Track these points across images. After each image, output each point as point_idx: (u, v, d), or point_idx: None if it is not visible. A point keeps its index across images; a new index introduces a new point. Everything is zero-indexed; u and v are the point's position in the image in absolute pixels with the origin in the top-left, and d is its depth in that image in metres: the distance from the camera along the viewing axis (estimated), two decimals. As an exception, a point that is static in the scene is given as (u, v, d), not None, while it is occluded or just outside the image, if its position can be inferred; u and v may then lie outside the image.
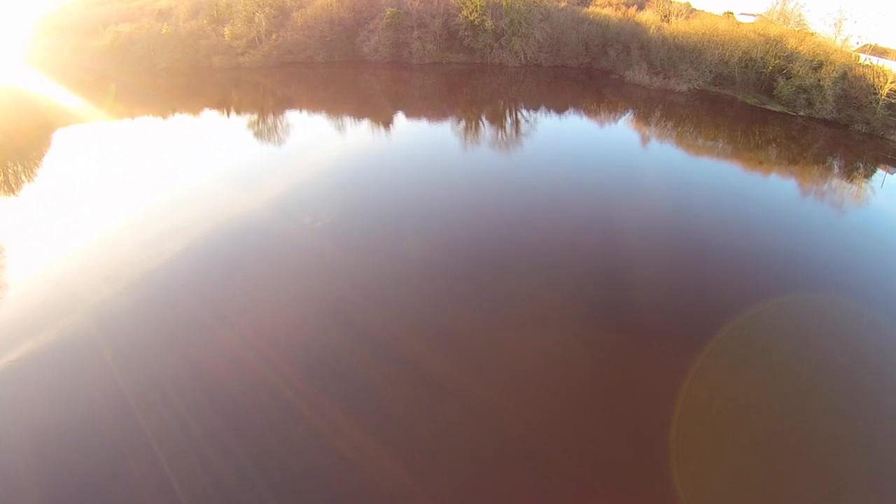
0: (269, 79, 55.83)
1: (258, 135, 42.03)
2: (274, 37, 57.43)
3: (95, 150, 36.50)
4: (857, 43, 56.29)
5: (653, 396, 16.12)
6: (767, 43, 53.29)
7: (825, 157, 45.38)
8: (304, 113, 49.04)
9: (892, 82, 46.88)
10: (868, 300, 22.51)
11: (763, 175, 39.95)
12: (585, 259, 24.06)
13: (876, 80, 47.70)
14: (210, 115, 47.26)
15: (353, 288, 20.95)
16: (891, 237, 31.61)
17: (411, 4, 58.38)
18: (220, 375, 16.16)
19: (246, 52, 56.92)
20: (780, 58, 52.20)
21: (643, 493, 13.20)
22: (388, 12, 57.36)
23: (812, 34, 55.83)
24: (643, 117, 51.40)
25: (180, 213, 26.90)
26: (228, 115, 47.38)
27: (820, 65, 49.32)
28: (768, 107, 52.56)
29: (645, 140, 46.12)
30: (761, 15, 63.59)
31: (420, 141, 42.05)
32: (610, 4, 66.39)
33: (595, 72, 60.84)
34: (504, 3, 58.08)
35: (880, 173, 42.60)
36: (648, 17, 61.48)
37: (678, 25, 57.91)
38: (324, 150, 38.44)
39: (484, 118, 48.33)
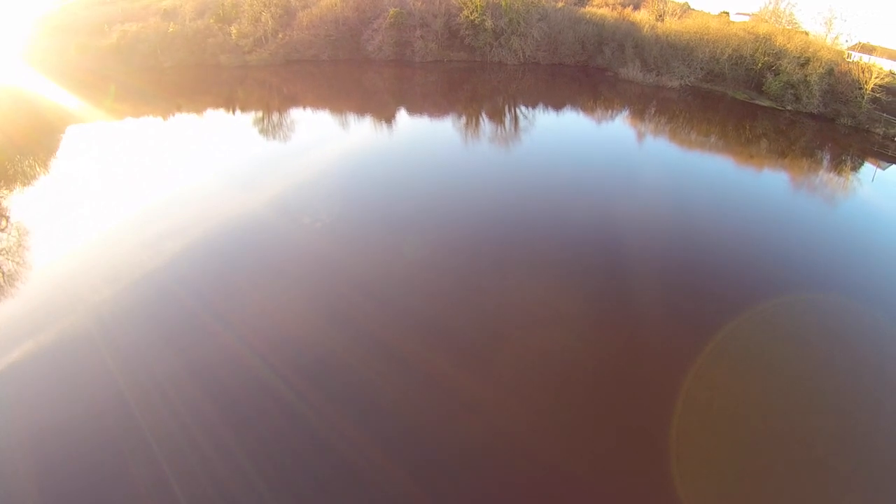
0: (275, 76, 56.95)
1: (263, 132, 42.38)
2: (280, 36, 58.61)
3: (96, 151, 36.12)
4: (847, 42, 57.76)
5: (653, 396, 16.00)
6: (757, 41, 54.77)
7: (814, 151, 46.56)
8: (310, 110, 49.91)
9: (876, 77, 48.30)
10: (863, 297, 22.38)
11: (755, 169, 40.85)
12: (585, 258, 23.90)
13: (861, 75, 49.15)
14: (214, 114, 47.40)
15: (353, 288, 20.74)
16: (883, 232, 31.56)
17: (414, 4, 59.72)
18: (219, 376, 16.04)
19: (253, 50, 58.04)
20: (768, 55, 53.66)
21: (644, 493, 13.13)
22: (391, 12, 58.63)
23: (800, 32, 57.27)
24: (637, 113, 52.75)
25: (180, 213, 26.79)
26: (234, 112, 47.91)
27: (807, 61, 50.78)
28: (757, 102, 54.00)
29: (640, 134, 47.23)
30: (755, 14, 65.04)
31: (421, 138, 42.53)
32: (606, 4, 67.86)
33: (591, 69, 62.25)
34: (503, 3, 59.43)
35: (871, 168, 43.52)
36: (643, 16, 62.95)
37: (671, 24, 59.37)
38: (327, 148, 38.40)
39: (484, 114, 49.42)
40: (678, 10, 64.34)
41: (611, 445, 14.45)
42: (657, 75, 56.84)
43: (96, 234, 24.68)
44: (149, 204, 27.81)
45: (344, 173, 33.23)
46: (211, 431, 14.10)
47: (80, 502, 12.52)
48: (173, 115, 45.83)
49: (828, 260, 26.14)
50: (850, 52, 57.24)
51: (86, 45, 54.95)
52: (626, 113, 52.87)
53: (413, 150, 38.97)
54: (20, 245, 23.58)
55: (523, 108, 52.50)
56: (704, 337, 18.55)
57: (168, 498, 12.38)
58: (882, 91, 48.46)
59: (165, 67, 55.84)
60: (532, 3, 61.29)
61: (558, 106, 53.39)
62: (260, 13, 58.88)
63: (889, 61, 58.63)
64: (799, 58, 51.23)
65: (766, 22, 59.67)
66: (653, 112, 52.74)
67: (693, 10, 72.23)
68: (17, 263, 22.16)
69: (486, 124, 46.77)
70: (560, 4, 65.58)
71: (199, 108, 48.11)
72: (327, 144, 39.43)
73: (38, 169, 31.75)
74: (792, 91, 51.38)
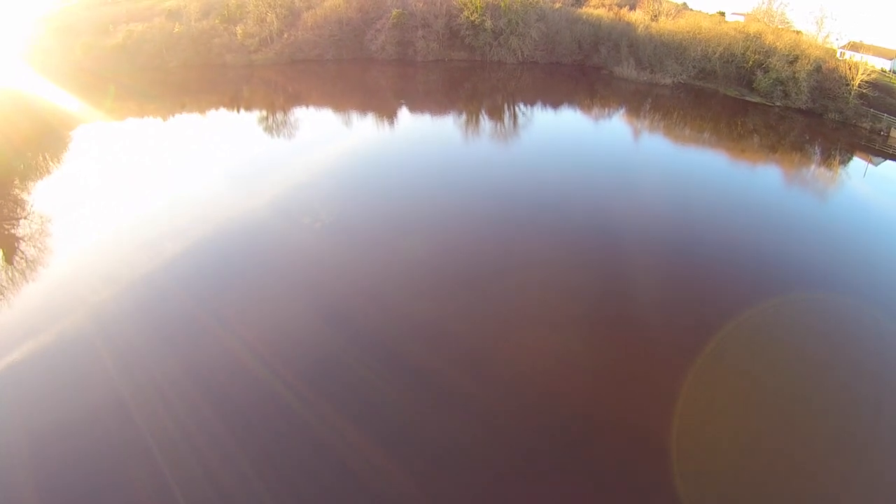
0: (280, 75, 57.77)
1: (268, 129, 42.48)
2: (285, 36, 59.49)
3: (96, 152, 35.81)
4: (837, 40, 59.06)
5: (654, 396, 15.87)
6: (747, 39, 56.02)
7: (804, 145, 47.51)
8: (314, 108, 50.55)
9: (863, 74, 49.55)
10: (862, 296, 22.18)
11: (749, 164, 41.26)
12: (585, 257, 23.73)
13: (848, 72, 50.40)
14: (218, 113, 47.09)
15: (353, 289, 20.52)
16: (875, 228, 31.59)
17: (416, 5, 60.79)
18: (218, 377, 15.87)
19: (259, 50, 58.88)
20: (759, 53, 54.90)
21: (645, 493, 13.04)
22: (394, 13, 59.64)
23: (790, 31, 58.56)
24: (632, 109, 53.92)
25: (179, 213, 26.48)
26: (238, 111, 48.11)
27: (795, 58, 52.02)
28: (748, 98, 55.24)
29: (635, 130, 48.25)
30: (749, 14, 66.22)
31: (422, 136, 42.68)
32: (603, 5, 69.08)
33: (587, 68, 63.41)
34: (502, 4, 60.52)
35: (861, 163, 44.34)
36: (638, 16, 64.14)
37: (665, 24, 60.58)
38: (329, 147, 38.04)
39: (484, 111, 50.31)
40: (672, 11, 65.61)
41: (612, 446, 14.29)
42: (651, 73, 58.05)
43: (96, 235, 24.45)
44: (148, 204, 27.60)
45: (344, 172, 33.10)
46: (210, 433, 13.94)
47: (78, 504, 12.27)
48: (177, 114, 45.64)
49: (823, 258, 26.02)
50: (842, 50, 58.52)
51: (91, 44, 54.32)
52: (621, 109, 54.02)
53: (414, 149, 38.97)
54: (20, 245, 23.33)
55: (522, 106, 53.58)
56: (705, 336, 18.34)
57: (167, 500, 12.26)
58: (868, 87, 49.73)
59: (171, 67, 56.06)
60: (530, 4, 62.43)
61: (556, 103, 54.53)
62: (265, 14, 59.71)
63: (880, 59, 60.15)
64: (788, 55, 52.48)
65: (760, 21, 60.91)
66: (647, 108, 53.89)
67: (690, 10, 73.65)
68: (17, 264, 21.86)
69: (485, 121, 47.49)
70: (558, 5, 66.79)
71: (203, 107, 48.09)
72: (329, 142, 39.30)
73: (37, 170, 31.21)
74: (781, 87, 52.62)
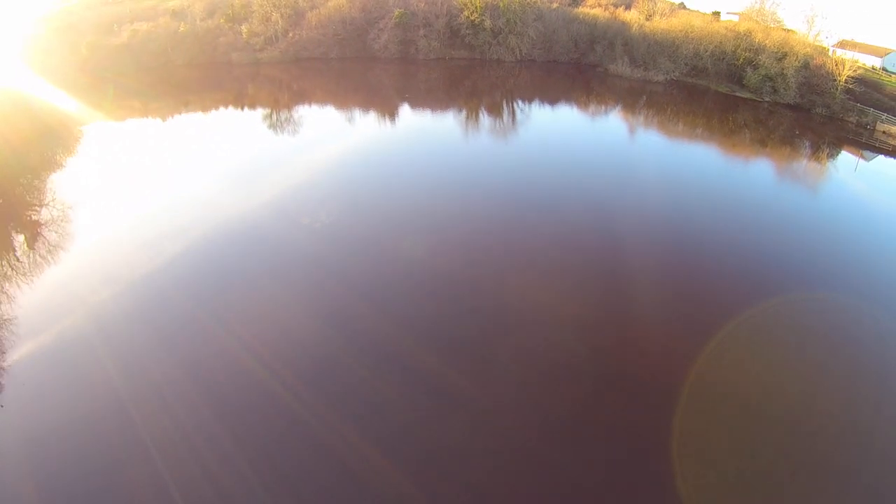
0: (285, 73, 58.54)
1: (272, 127, 42.66)
2: (290, 35, 60.18)
3: (96, 152, 35.24)
4: (827, 38, 60.36)
5: (654, 396, 15.69)
6: (738, 37, 57.20)
7: (793, 139, 48.43)
8: (318, 106, 51.02)
9: (849, 70, 50.75)
10: (858, 292, 21.99)
11: (742, 159, 41.78)
12: (584, 256, 23.57)
13: (834, 68, 51.61)
14: (221, 112, 46.83)
15: (352, 290, 20.24)
16: (871, 225, 31.23)
17: (417, 5, 61.73)
18: (217, 378, 15.71)
19: (264, 48, 59.62)
20: (749, 50, 56.07)
21: (646, 494, 12.88)
22: (396, 13, 60.52)
23: (779, 28, 59.77)
24: (626, 105, 55.04)
25: (179, 213, 26.17)
26: (242, 109, 48.21)
27: (784, 56, 53.19)
28: (738, 94, 56.39)
29: (630, 125, 49.17)
30: (742, 13, 67.36)
31: (423, 133, 42.94)
32: (599, 5, 70.20)
33: (583, 66, 64.52)
34: (501, 4, 61.50)
35: (849, 157, 45.27)
36: (632, 16, 65.27)
37: (658, 23, 61.70)
38: (331, 145, 37.78)
39: (484, 108, 51.23)
40: (667, 10, 66.79)
41: (611, 446, 14.19)
42: (644, 70, 59.21)
43: (95, 235, 24.25)
44: (148, 204, 27.42)
45: (345, 171, 32.92)
46: (209, 433, 13.83)
47: (77, 506, 12.12)
48: (180, 113, 45.41)
49: (822, 257, 25.76)
50: (834, 48, 59.67)
51: (96, 43, 54.56)
52: (616, 106, 55.12)
53: (414, 148, 38.76)
54: (21, 246, 23.02)
55: (520, 103, 54.62)
56: (705, 336, 18.17)
57: (166, 500, 12.18)
58: (854, 82, 50.95)
59: (176, 66, 56.39)
60: (528, 4, 63.50)
61: (553, 100, 55.67)
62: (270, 13, 60.35)
63: (871, 56, 61.52)
64: (777, 52, 53.66)
65: (754, 20, 62.05)
66: (642, 105, 55.00)
67: (685, 9, 74.82)
68: (17, 264, 21.56)
69: (485, 118, 48.29)
70: (555, 5, 67.93)
71: (207, 106, 47.97)
72: (331, 140, 39.15)
73: (37, 170, 30.71)
74: (770, 83, 53.80)
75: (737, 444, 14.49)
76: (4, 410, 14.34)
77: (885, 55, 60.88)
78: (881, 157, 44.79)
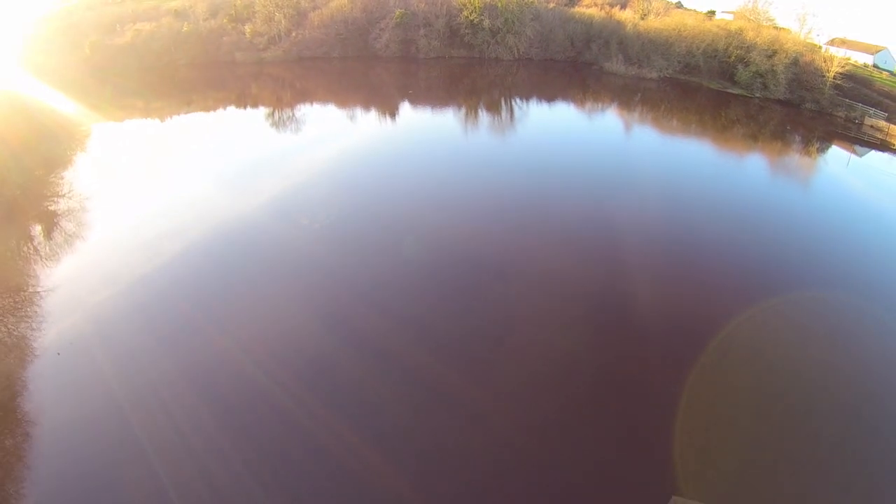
0: (288, 72, 58.89)
1: (274, 125, 42.70)
2: (293, 34, 60.36)
3: (96, 152, 34.83)
4: (818, 36, 60.92)
5: (655, 398, 15.44)
6: (729, 36, 57.82)
7: (784, 134, 49.09)
8: (321, 104, 51.13)
9: (837, 66, 51.45)
10: (857, 291, 21.66)
11: (733, 153, 42.04)
12: (583, 255, 23.33)
13: (823, 64, 52.29)
14: (224, 111, 46.81)
15: (351, 291, 20.01)
16: (869, 223, 31.00)
17: (417, 6, 62.20)
18: (215, 378, 15.49)
19: (267, 48, 59.91)
20: (740, 48, 56.71)
21: (647, 494, 12.64)
22: (397, 13, 60.91)
23: (769, 27, 60.41)
24: (621, 102, 55.63)
25: (178, 213, 25.92)
26: (245, 108, 48.35)
27: (774, 53, 53.84)
28: (730, 90, 57.02)
29: (625, 121, 49.68)
30: (736, 11, 67.91)
31: (424, 132, 42.99)
32: (595, 4, 70.81)
33: (579, 64, 65.12)
34: (499, 4, 61.97)
35: (838, 150, 45.80)
36: (627, 15, 65.87)
37: (652, 22, 62.29)
38: (332, 144, 37.56)
39: (482, 105, 51.65)
40: (661, 9, 67.38)
41: (611, 446, 13.93)
42: (638, 68, 59.89)
43: (95, 235, 23.99)
44: (147, 204, 27.15)
45: (345, 171, 32.62)
46: (206, 433, 13.64)
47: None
48: (182, 112, 45.26)
49: (809, 253, 25.53)
50: (826, 46, 60.10)
51: (100, 43, 54.18)
52: (611, 102, 55.68)
53: (414, 146, 38.70)
54: (20, 245, 22.71)
55: (518, 100, 55.13)
56: (706, 335, 17.92)
57: (163, 501, 12.02)
58: (843, 78, 51.64)
59: (180, 65, 56.54)
60: (526, 3, 64.06)
61: (550, 97, 56.28)
62: (273, 13, 60.49)
63: (863, 54, 62.14)
64: (767, 50, 54.30)
65: (747, 19, 62.63)
66: (636, 101, 55.58)
67: (682, 8, 75.31)
68: (18, 263, 21.23)
69: (484, 115, 48.63)
70: (551, 5, 68.56)
71: (210, 105, 47.90)
72: (333, 139, 38.92)
73: (37, 171, 30.28)
74: (760, 80, 54.47)
75: (737, 444, 14.28)
76: (3, 410, 14.12)
77: (877, 52, 61.60)
78: (873, 153, 45.15)
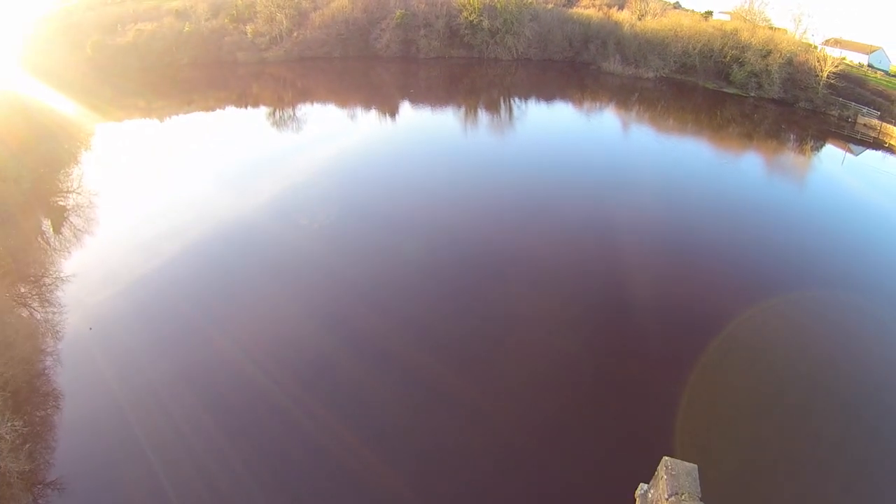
0: (290, 72, 58.56)
1: (275, 125, 42.26)
2: (295, 34, 59.86)
3: (96, 152, 34.81)
4: (813, 36, 60.41)
5: (655, 398, 15.15)
6: (724, 36, 57.33)
7: (778, 132, 48.78)
8: (321, 104, 50.71)
9: (831, 66, 50.99)
10: (857, 290, 21.25)
11: (729, 152, 41.67)
12: (583, 255, 22.89)
13: (817, 64, 51.83)
14: (225, 111, 46.27)
15: (350, 291, 19.67)
16: (868, 221, 30.68)
17: (418, 6, 61.73)
18: (214, 378, 15.25)
19: (269, 48, 59.48)
20: (735, 48, 56.23)
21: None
22: (397, 14, 60.42)
23: (764, 27, 59.85)
24: (619, 101, 55.15)
25: (178, 214, 25.41)
26: (245, 107, 47.88)
27: (768, 53, 53.38)
28: (725, 90, 56.58)
29: (623, 120, 49.31)
30: (733, 12, 67.32)
31: (424, 131, 42.61)
32: (593, 5, 70.21)
33: (577, 64, 64.64)
34: (499, 6, 61.39)
35: (832, 149, 45.36)
36: (625, 16, 65.31)
37: (649, 23, 61.76)
38: (332, 143, 37.12)
39: (482, 105, 51.24)
40: (658, 10, 66.78)
41: (611, 446, 13.77)
42: (635, 68, 59.45)
43: (94, 235, 23.76)
44: (148, 204, 26.74)
45: (345, 170, 32.38)
46: (205, 433, 13.46)
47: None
48: (183, 112, 44.74)
49: (809, 253, 25.01)
50: (822, 46, 59.55)
51: (101, 43, 53.53)
52: (608, 101, 55.28)
53: (414, 146, 38.41)
54: (21, 245, 22.35)
55: (517, 99, 54.72)
56: (706, 335, 17.66)
57: (161, 500, 11.89)
58: (837, 78, 51.19)
59: (181, 64, 56.01)
60: (524, 4, 63.55)
61: (548, 96, 55.87)
62: (274, 14, 59.94)
63: (858, 54, 61.61)
64: (762, 50, 53.83)
65: (743, 19, 62.05)
66: (633, 100, 55.19)
67: (679, 9, 74.62)
68: (18, 263, 20.69)
69: (483, 114, 48.21)
70: (550, 6, 68.00)
71: (211, 105, 47.48)
72: (333, 139, 38.51)
73: (37, 171, 29.60)
74: (755, 79, 54.02)
75: (737, 443, 14.09)
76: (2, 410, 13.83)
77: (871, 52, 61.10)
78: (868, 151, 44.74)
